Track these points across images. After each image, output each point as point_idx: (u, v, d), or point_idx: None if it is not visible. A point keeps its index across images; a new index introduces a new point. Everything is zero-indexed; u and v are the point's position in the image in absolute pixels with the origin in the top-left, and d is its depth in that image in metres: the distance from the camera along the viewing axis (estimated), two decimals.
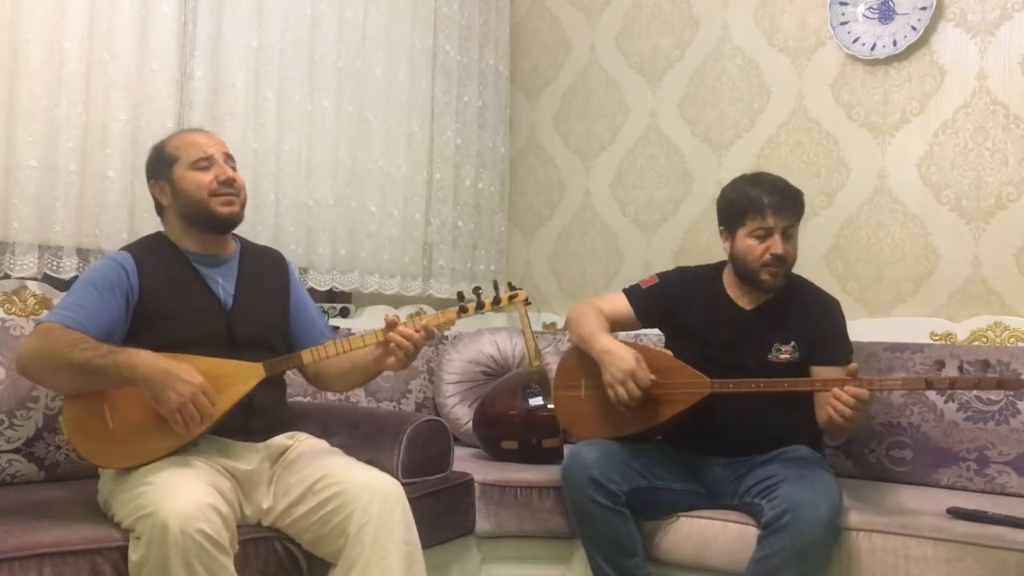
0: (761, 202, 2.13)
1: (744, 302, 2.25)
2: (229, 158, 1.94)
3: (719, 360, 2.13)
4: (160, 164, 1.92)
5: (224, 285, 1.94)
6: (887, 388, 1.90)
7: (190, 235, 1.93)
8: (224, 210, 1.89)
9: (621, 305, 2.34)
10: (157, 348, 1.74)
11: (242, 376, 1.79)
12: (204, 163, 1.88)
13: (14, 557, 1.48)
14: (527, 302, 3.09)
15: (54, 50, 2.19)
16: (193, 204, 1.89)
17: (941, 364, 1.89)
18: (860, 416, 1.93)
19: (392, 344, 1.85)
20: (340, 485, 1.76)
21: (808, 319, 2.20)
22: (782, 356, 2.16)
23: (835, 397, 1.91)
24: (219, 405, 1.72)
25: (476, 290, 1.94)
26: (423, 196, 3.25)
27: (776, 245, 2.12)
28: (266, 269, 2.06)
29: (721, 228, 2.25)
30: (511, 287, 3.18)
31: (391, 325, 1.86)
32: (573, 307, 2.40)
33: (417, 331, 1.85)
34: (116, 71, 2.32)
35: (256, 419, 1.87)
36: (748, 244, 2.15)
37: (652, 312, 2.34)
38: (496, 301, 1.91)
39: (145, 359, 1.67)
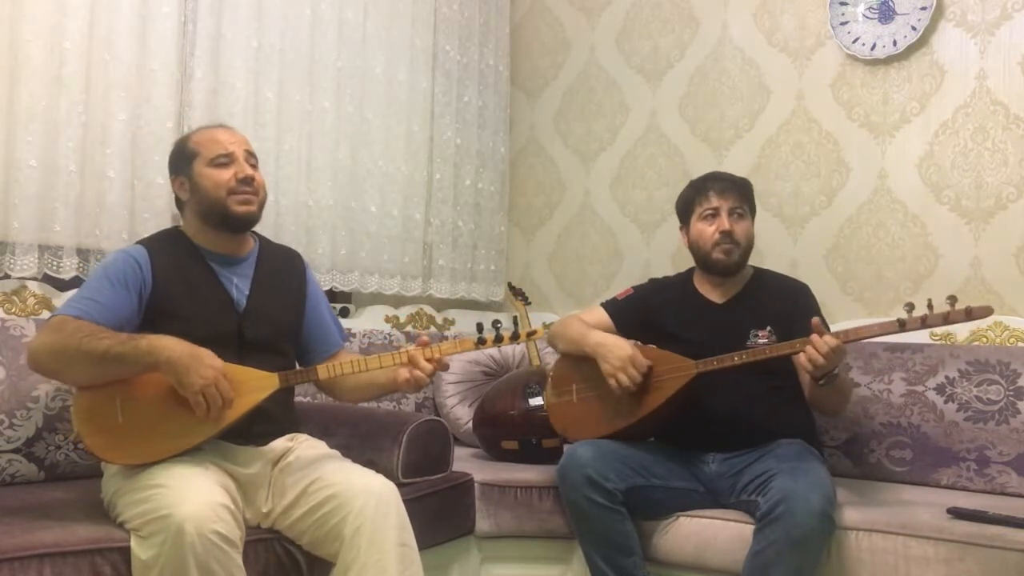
0: (705, 187, 2.30)
1: (715, 296, 2.33)
2: (251, 156, 1.92)
3: (700, 356, 2.15)
4: (181, 159, 1.91)
5: (238, 284, 1.92)
6: (863, 337, 1.96)
7: (206, 232, 1.92)
8: (240, 209, 1.87)
9: (601, 317, 2.39)
10: None
11: (256, 385, 1.78)
12: (224, 160, 1.86)
13: (14, 557, 1.48)
14: (526, 301, 3.12)
15: (54, 50, 2.19)
16: (210, 201, 1.87)
17: (911, 306, 1.92)
18: (833, 364, 1.96)
19: (415, 368, 1.82)
20: (335, 488, 1.75)
21: (780, 303, 2.28)
22: (759, 341, 2.21)
23: (812, 346, 1.94)
24: (230, 414, 1.71)
25: (496, 323, 1.92)
26: (423, 196, 3.25)
27: (723, 223, 2.24)
28: (283, 270, 2.04)
29: (680, 227, 2.40)
30: (514, 290, 3.20)
31: (424, 346, 1.83)
32: (554, 324, 2.45)
33: (439, 358, 1.83)
34: (116, 71, 2.32)
35: (260, 424, 1.86)
36: (699, 228, 2.29)
37: (630, 322, 2.38)
38: (515, 336, 1.89)
39: (167, 343, 1.67)
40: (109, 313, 1.75)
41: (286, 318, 2.00)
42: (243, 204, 1.87)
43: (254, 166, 1.92)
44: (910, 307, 1.92)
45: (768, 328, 2.22)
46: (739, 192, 2.29)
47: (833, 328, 2.05)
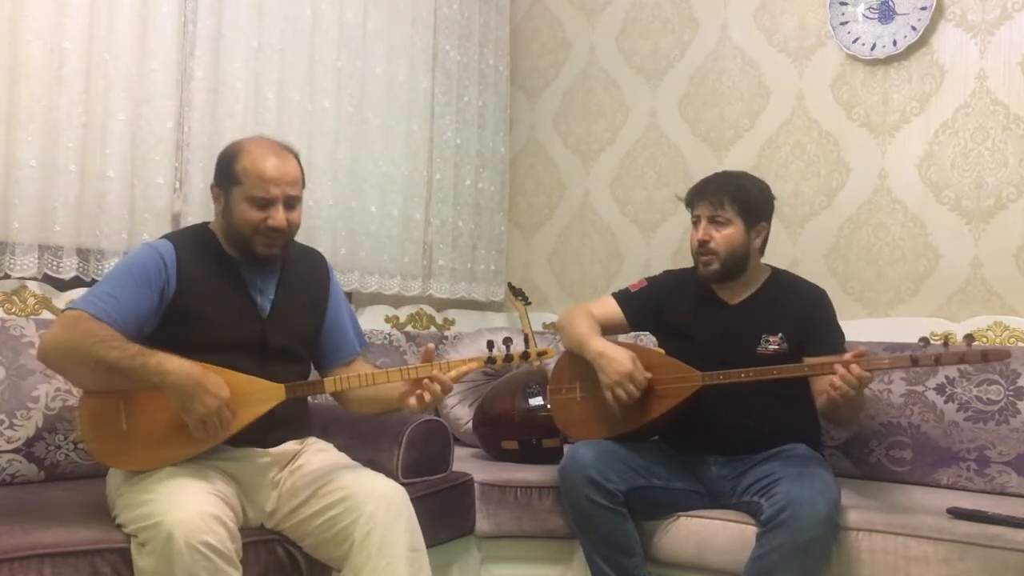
0: (693, 191, 2.29)
1: (729, 297, 2.28)
2: (292, 199, 1.84)
3: (710, 356, 2.14)
4: (224, 175, 1.85)
5: (263, 289, 1.90)
6: (873, 368, 1.91)
7: (231, 244, 1.89)
8: (262, 251, 1.84)
9: (612, 309, 2.36)
10: (186, 347, 1.72)
11: (263, 396, 1.77)
12: (261, 203, 1.80)
13: (14, 557, 1.48)
14: (526, 301, 3.12)
15: (54, 50, 2.19)
16: (236, 231, 1.84)
17: (926, 341, 1.89)
18: (859, 396, 1.95)
19: (421, 388, 1.78)
20: (346, 490, 1.75)
21: (794, 309, 2.22)
22: (771, 347, 2.18)
23: (840, 377, 1.89)
24: (235, 423, 1.71)
25: (507, 341, 1.90)
26: (423, 196, 3.25)
27: (698, 232, 2.22)
28: (308, 274, 2.01)
29: None
30: (514, 290, 3.20)
31: (428, 356, 1.79)
32: (564, 312, 2.42)
33: (446, 375, 1.79)
34: (116, 71, 2.31)
35: (274, 432, 1.85)
36: (691, 235, 2.28)
37: (642, 315, 2.37)
38: (525, 356, 1.89)
39: (176, 366, 1.65)
40: (126, 310, 1.72)
41: (306, 325, 1.97)
42: (265, 247, 1.84)
43: (294, 207, 1.85)
44: (924, 342, 1.88)
45: (780, 335, 2.18)
46: (718, 197, 2.20)
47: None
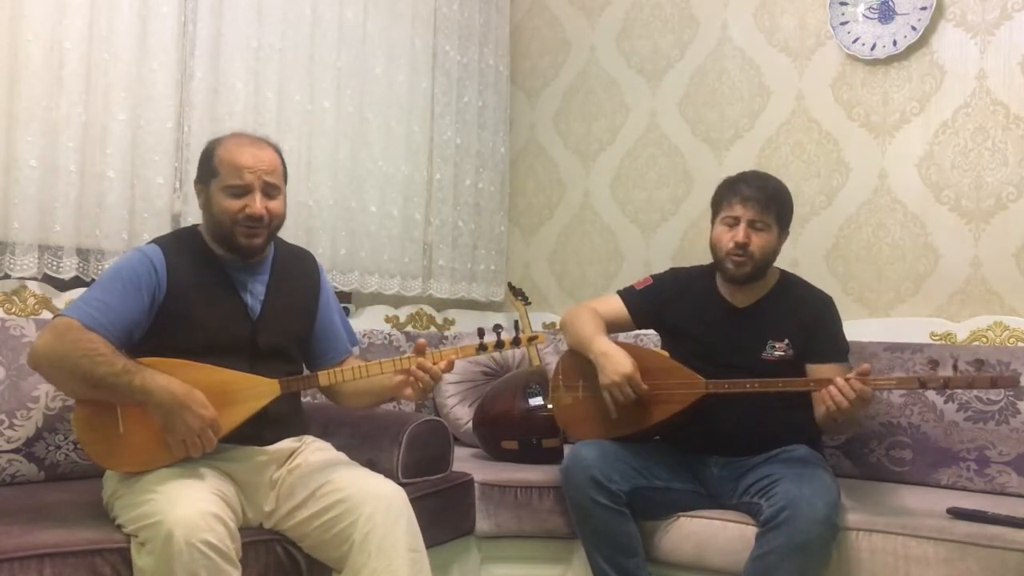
0: (735, 190, 2.19)
1: (737, 300, 2.26)
2: (270, 186, 1.84)
3: (713, 359, 2.14)
4: (204, 170, 1.86)
5: (253, 290, 1.90)
6: (880, 387, 1.90)
7: (216, 240, 1.89)
8: (243, 242, 1.83)
9: (616, 307, 2.35)
10: (177, 350, 1.73)
11: (257, 392, 1.78)
12: (238, 191, 1.81)
13: (14, 557, 1.48)
14: (526, 301, 3.12)
15: (54, 50, 2.19)
16: (216, 224, 1.84)
17: (935, 363, 1.88)
18: (856, 412, 1.93)
19: (412, 377, 1.80)
20: (345, 491, 1.75)
21: (801, 316, 2.20)
22: (776, 353, 2.17)
23: (837, 387, 1.89)
24: (228, 421, 1.71)
25: (496, 328, 1.91)
26: (423, 196, 3.25)
27: (738, 234, 2.14)
28: (298, 275, 2.01)
29: (712, 218, 2.29)
30: (514, 290, 3.20)
31: (420, 350, 1.80)
32: (568, 310, 2.41)
33: (435, 363, 1.80)
34: (116, 71, 2.31)
35: (269, 430, 1.85)
36: (719, 232, 2.21)
37: (647, 313, 2.35)
38: (516, 341, 1.89)
39: (161, 386, 1.65)
40: (117, 316, 1.72)
41: (298, 325, 1.98)
42: (247, 237, 1.83)
43: (273, 195, 1.85)
44: (933, 364, 1.87)
45: (786, 341, 2.16)
46: (764, 204, 2.15)
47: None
